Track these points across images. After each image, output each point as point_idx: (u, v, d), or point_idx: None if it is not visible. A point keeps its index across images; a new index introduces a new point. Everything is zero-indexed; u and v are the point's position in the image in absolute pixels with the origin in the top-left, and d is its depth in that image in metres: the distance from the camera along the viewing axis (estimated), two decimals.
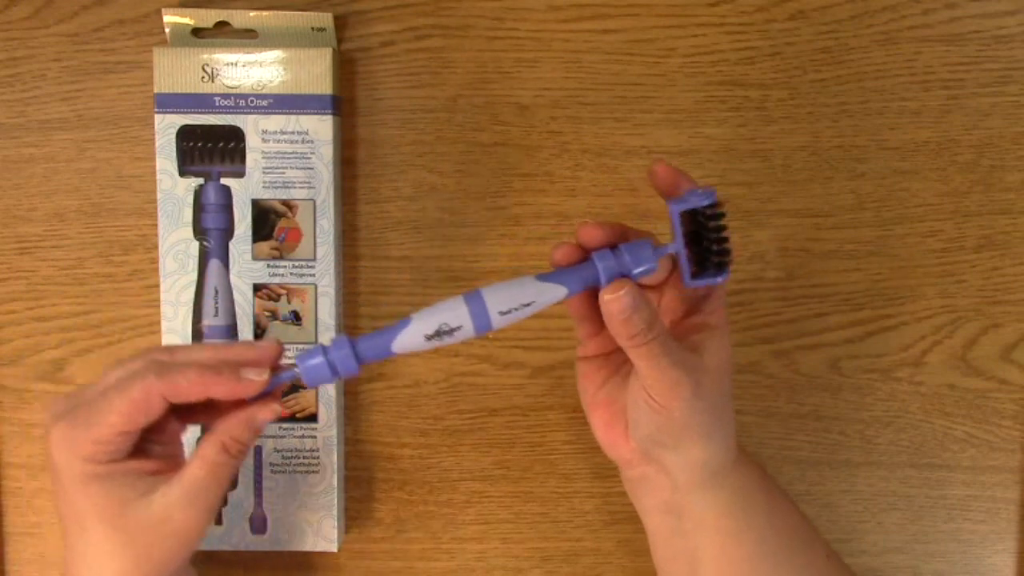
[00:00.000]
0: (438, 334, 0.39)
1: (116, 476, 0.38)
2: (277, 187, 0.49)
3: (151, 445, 0.40)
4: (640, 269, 0.39)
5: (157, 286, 0.50)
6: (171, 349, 0.40)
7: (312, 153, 0.49)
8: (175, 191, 0.50)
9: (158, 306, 0.50)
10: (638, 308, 0.38)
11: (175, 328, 0.50)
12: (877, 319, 0.52)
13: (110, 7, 0.51)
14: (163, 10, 0.50)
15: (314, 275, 0.50)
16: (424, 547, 0.53)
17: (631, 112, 0.51)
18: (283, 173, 0.49)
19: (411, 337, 0.39)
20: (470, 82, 0.51)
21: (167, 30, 0.50)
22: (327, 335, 0.50)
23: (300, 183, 0.49)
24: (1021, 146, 0.51)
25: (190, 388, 0.38)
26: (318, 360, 0.39)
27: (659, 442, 0.41)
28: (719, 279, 0.40)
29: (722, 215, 0.39)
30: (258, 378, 0.38)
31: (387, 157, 0.51)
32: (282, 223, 0.50)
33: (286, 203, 0.50)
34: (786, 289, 0.52)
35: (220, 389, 0.38)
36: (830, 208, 0.51)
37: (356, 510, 0.53)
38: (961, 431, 0.52)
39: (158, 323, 0.50)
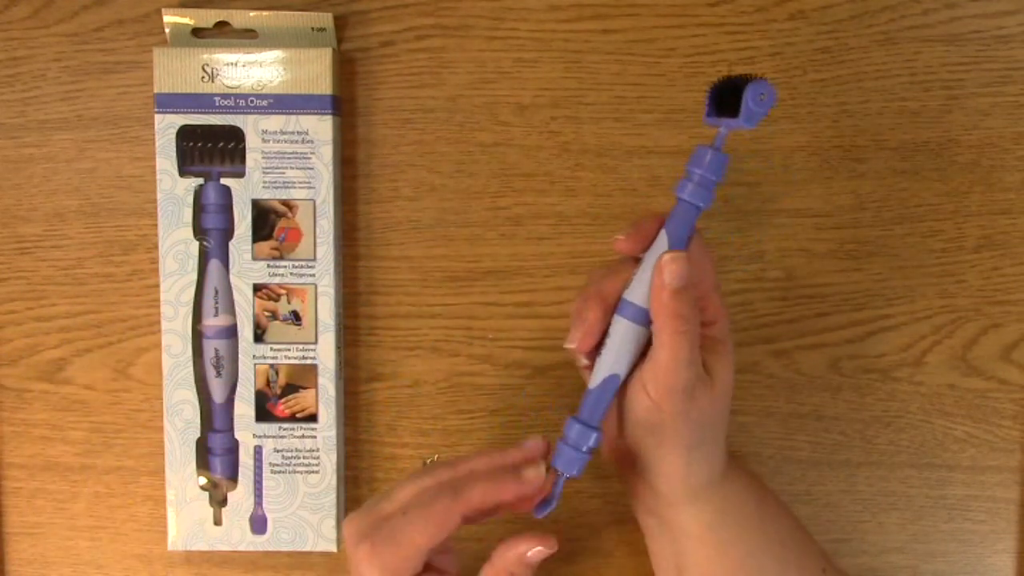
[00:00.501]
0: None
1: None
2: (277, 187, 0.49)
3: (432, 556, 0.41)
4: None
5: (157, 286, 0.50)
6: (453, 464, 0.41)
7: (312, 153, 0.49)
8: (175, 191, 0.50)
9: (158, 306, 0.50)
10: (689, 283, 0.39)
11: (175, 328, 0.50)
12: (877, 319, 0.52)
13: (110, 7, 0.51)
14: (163, 10, 0.50)
15: (314, 275, 0.50)
16: None
17: (631, 112, 0.51)
18: (283, 173, 0.49)
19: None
20: (470, 82, 0.51)
21: (167, 30, 0.50)
22: (327, 335, 0.50)
23: (300, 183, 0.49)
24: (1021, 146, 0.51)
25: (483, 501, 0.39)
26: (570, 453, 0.41)
27: (642, 438, 0.41)
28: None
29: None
30: (536, 474, 0.40)
31: (387, 157, 0.51)
32: (282, 223, 0.50)
33: (286, 203, 0.50)
34: (786, 289, 0.52)
35: (507, 495, 0.39)
36: (830, 208, 0.51)
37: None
38: (961, 431, 0.52)
39: (158, 323, 0.50)
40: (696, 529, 0.42)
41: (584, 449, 0.41)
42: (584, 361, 0.42)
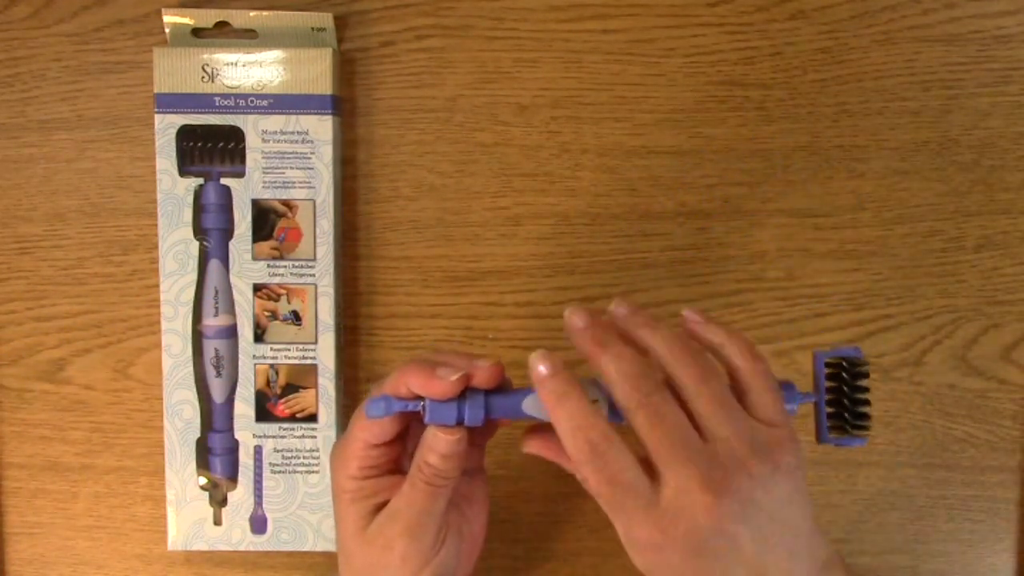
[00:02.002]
0: None
1: (367, 494, 0.40)
2: (277, 187, 0.49)
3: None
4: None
5: (157, 286, 0.50)
6: (405, 366, 0.40)
7: (312, 153, 0.49)
8: (175, 191, 0.50)
9: (158, 306, 0.50)
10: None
11: (175, 328, 0.50)
12: (877, 319, 0.52)
13: (110, 7, 0.51)
14: (163, 10, 0.50)
15: (314, 275, 0.50)
16: None
17: (631, 112, 0.51)
18: (283, 173, 0.49)
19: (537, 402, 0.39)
20: (470, 82, 0.51)
21: (167, 30, 0.50)
22: (327, 335, 0.50)
23: (300, 183, 0.49)
24: (1021, 146, 0.51)
25: (396, 388, 0.39)
26: (451, 403, 0.39)
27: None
28: (858, 442, 0.39)
29: (867, 374, 0.38)
30: (445, 373, 0.38)
31: (387, 157, 0.51)
32: (282, 223, 0.50)
33: (286, 203, 0.50)
34: (786, 289, 0.52)
35: (416, 383, 0.39)
36: (830, 208, 0.51)
37: None
38: (961, 431, 0.52)
39: (158, 323, 0.50)
40: None
41: (467, 421, 0.39)
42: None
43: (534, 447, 0.41)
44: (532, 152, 0.51)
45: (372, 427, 0.40)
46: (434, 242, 0.52)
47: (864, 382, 0.39)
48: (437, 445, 0.38)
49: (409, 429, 0.42)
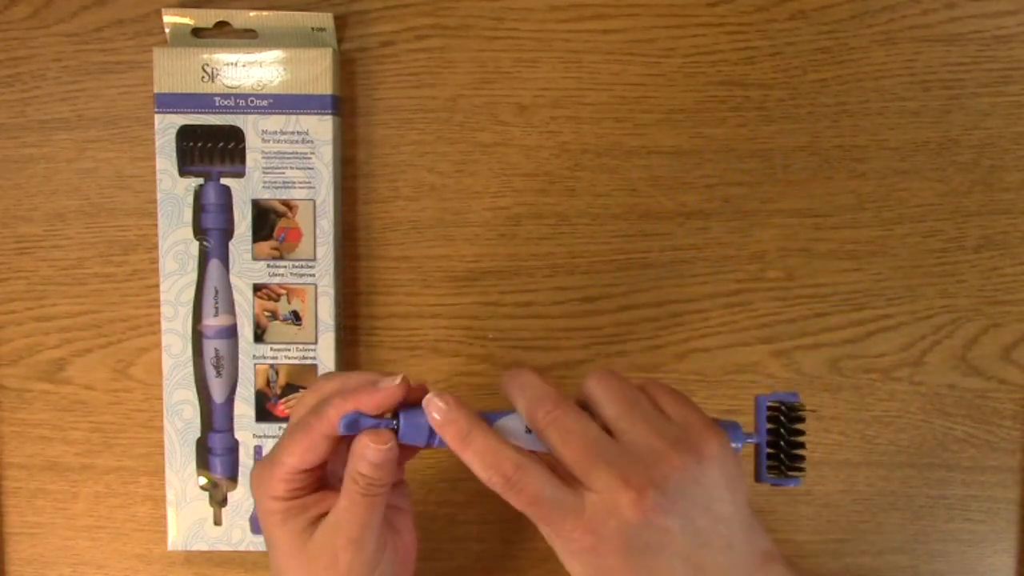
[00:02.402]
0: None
1: (297, 512, 0.40)
2: (277, 187, 0.49)
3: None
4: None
5: (157, 286, 0.50)
6: (320, 386, 0.40)
7: (312, 153, 0.49)
8: (175, 191, 0.50)
9: (158, 306, 0.50)
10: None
11: (175, 328, 0.50)
12: (877, 319, 0.52)
13: (110, 7, 0.51)
14: (163, 10, 0.50)
15: (314, 275, 0.50)
16: (424, 547, 0.53)
17: (631, 112, 0.51)
18: (283, 173, 0.49)
19: (513, 423, 0.39)
20: (470, 82, 0.51)
21: (167, 30, 0.50)
22: (327, 335, 0.50)
23: (300, 183, 0.49)
24: (1021, 146, 0.51)
25: (339, 414, 0.39)
26: (423, 420, 0.39)
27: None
28: (793, 483, 0.41)
29: (803, 419, 0.40)
30: (390, 382, 0.38)
31: (387, 157, 0.51)
32: (282, 223, 0.50)
33: (286, 203, 0.50)
34: (786, 289, 0.52)
35: (363, 404, 0.38)
36: (830, 208, 0.51)
37: None
38: (961, 431, 0.52)
39: (158, 323, 0.50)
40: None
41: (435, 444, 0.40)
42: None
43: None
44: (532, 152, 0.51)
45: (303, 454, 0.39)
46: (434, 242, 0.52)
47: (800, 426, 0.41)
48: (368, 454, 0.38)
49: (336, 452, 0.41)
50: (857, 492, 0.53)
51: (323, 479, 0.41)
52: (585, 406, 0.39)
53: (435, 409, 0.38)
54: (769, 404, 0.41)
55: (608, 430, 0.37)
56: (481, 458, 0.37)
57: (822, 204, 0.51)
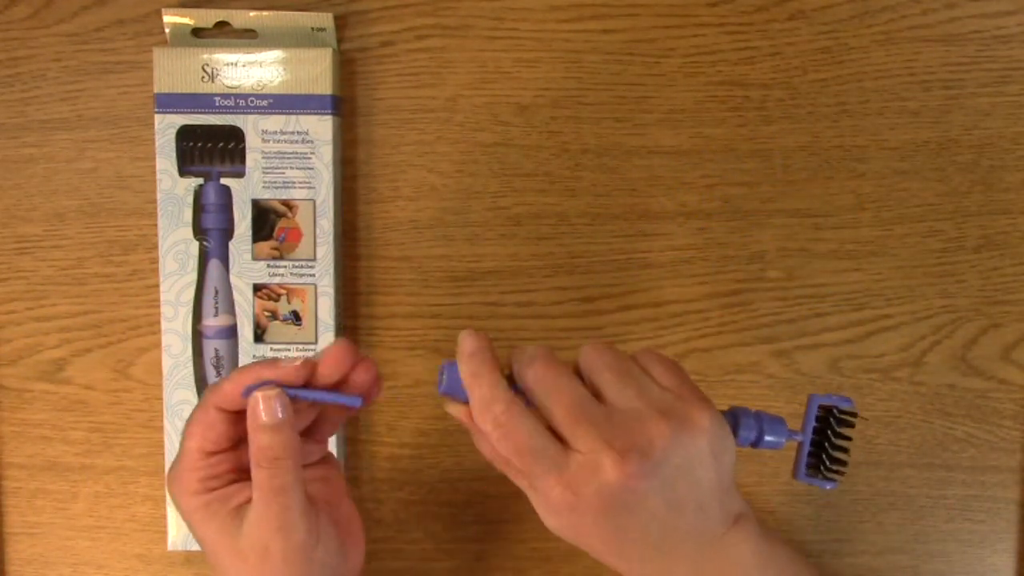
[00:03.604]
0: None
1: (218, 506, 0.38)
2: (277, 187, 0.49)
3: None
4: (771, 439, 0.40)
5: (157, 286, 0.50)
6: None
7: (312, 153, 0.49)
8: (175, 191, 0.50)
9: (158, 306, 0.50)
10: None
11: (175, 328, 0.50)
12: (877, 319, 0.52)
13: (110, 7, 0.51)
14: (163, 10, 0.50)
15: (314, 275, 0.50)
16: (424, 547, 0.53)
17: (631, 112, 0.51)
18: (283, 173, 0.49)
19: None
20: (470, 82, 0.51)
21: (167, 30, 0.50)
22: (327, 335, 0.50)
23: (300, 183, 0.49)
24: (1021, 146, 0.51)
25: (233, 389, 0.38)
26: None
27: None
28: (829, 485, 0.41)
29: (853, 424, 0.41)
30: (293, 362, 0.38)
31: (387, 157, 0.51)
32: (282, 223, 0.50)
33: (286, 203, 0.50)
34: (786, 289, 0.52)
35: (264, 373, 0.38)
36: (830, 208, 0.51)
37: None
38: (961, 431, 0.52)
39: (158, 323, 0.50)
40: None
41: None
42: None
43: (455, 411, 0.40)
44: (532, 152, 0.51)
45: (204, 432, 0.38)
46: (434, 242, 0.52)
47: (848, 431, 0.41)
48: (259, 413, 0.37)
49: (243, 440, 0.39)
50: (857, 492, 0.53)
51: (240, 469, 0.39)
52: (579, 375, 0.39)
53: (467, 339, 0.38)
54: (821, 404, 0.41)
55: (599, 396, 0.38)
56: (480, 400, 0.38)
57: (822, 204, 0.51)
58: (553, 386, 0.37)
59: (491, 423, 0.37)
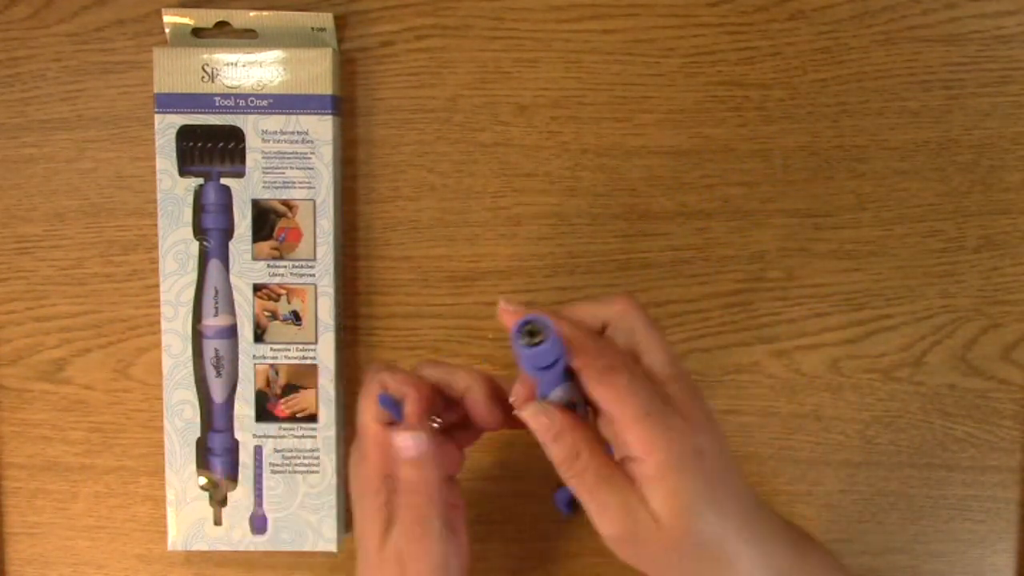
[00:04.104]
0: None
1: (383, 507, 0.41)
2: (277, 187, 0.49)
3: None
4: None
5: (157, 286, 0.50)
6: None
7: (312, 153, 0.49)
8: (175, 191, 0.50)
9: (158, 306, 0.50)
10: (559, 432, 0.37)
11: (175, 328, 0.50)
12: (877, 319, 0.52)
13: (110, 7, 0.51)
14: (163, 10, 0.50)
15: (314, 275, 0.50)
16: None
17: (631, 112, 0.51)
18: (283, 173, 0.49)
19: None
20: (470, 82, 0.51)
21: (167, 30, 0.50)
22: (327, 335, 0.50)
23: (300, 183, 0.49)
24: (1021, 146, 0.51)
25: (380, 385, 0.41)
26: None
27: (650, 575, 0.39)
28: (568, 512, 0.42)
29: None
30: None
31: (387, 157, 0.51)
32: (282, 223, 0.50)
33: (286, 203, 0.50)
34: (786, 289, 0.52)
35: (458, 376, 0.41)
36: (830, 208, 0.51)
37: None
38: (961, 431, 0.52)
39: (158, 323, 0.50)
40: None
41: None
42: None
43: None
44: (532, 152, 0.51)
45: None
46: (434, 242, 0.52)
47: None
48: (401, 448, 0.39)
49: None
50: (857, 492, 0.53)
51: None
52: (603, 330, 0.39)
53: (544, 417, 0.38)
54: None
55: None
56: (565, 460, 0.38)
57: (822, 204, 0.51)
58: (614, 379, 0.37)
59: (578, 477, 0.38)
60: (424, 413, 0.41)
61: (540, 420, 0.37)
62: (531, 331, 0.34)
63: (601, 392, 0.36)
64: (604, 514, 0.37)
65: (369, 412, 0.41)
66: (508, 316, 0.37)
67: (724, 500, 0.37)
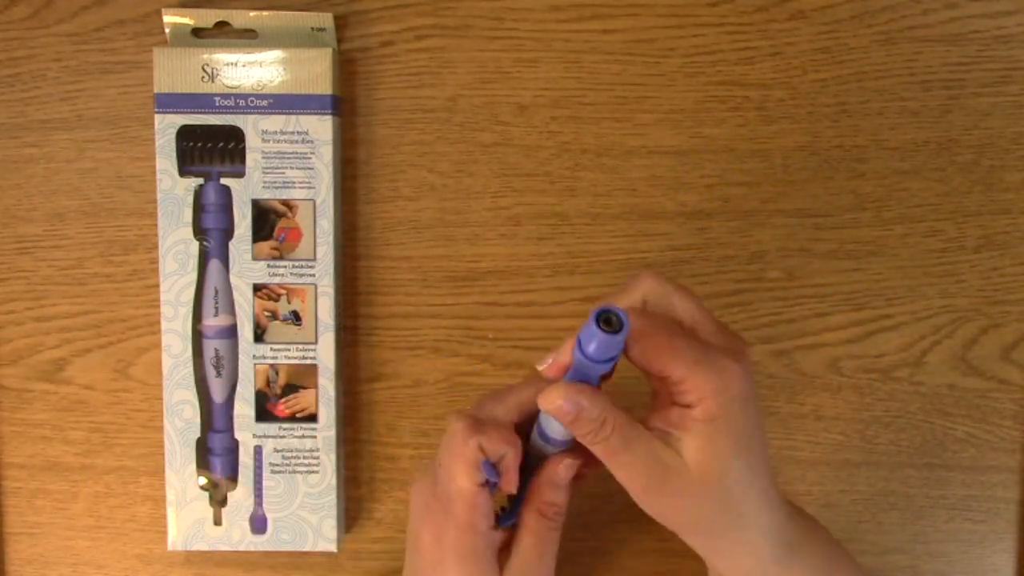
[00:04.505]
0: None
1: (485, 547, 0.41)
2: (277, 187, 0.49)
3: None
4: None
5: (157, 286, 0.50)
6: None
7: (312, 153, 0.49)
8: (175, 191, 0.50)
9: (158, 306, 0.50)
10: (580, 416, 0.37)
11: (175, 328, 0.50)
12: (877, 319, 0.52)
13: (110, 7, 0.51)
14: (163, 10, 0.50)
15: (314, 275, 0.50)
16: None
17: (631, 112, 0.51)
18: (283, 173, 0.49)
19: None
20: (470, 82, 0.51)
21: (167, 30, 0.50)
22: (327, 335, 0.50)
23: (300, 183, 0.49)
24: (1021, 146, 0.51)
25: (500, 428, 0.40)
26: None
27: (673, 528, 0.40)
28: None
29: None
30: (544, 365, 0.39)
31: (387, 157, 0.51)
32: (282, 223, 0.50)
33: (286, 203, 0.50)
34: (786, 289, 0.52)
35: (528, 393, 0.40)
36: (830, 208, 0.51)
37: (356, 510, 0.53)
38: (961, 431, 0.52)
39: (158, 323, 0.50)
40: None
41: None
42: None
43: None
44: (532, 152, 0.51)
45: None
46: (434, 242, 0.52)
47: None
48: (558, 472, 0.40)
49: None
50: (857, 492, 0.53)
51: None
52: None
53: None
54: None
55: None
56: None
57: (822, 204, 0.51)
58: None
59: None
60: (519, 467, 0.41)
61: (571, 399, 0.37)
62: (608, 319, 0.35)
63: (653, 354, 0.37)
64: (633, 467, 0.37)
65: (469, 477, 0.40)
66: (550, 370, 0.39)
67: (753, 457, 0.38)
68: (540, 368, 0.39)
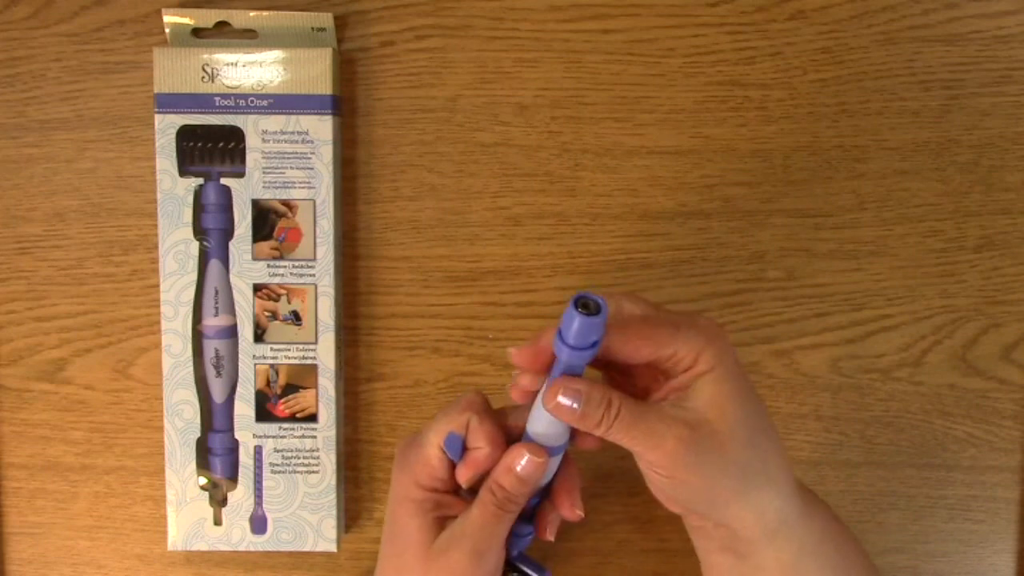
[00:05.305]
0: None
1: (429, 508, 0.41)
2: (277, 187, 0.49)
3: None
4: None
5: (157, 286, 0.50)
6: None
7: (312, 153, 0.49)
8: (175, 191, 0.50)
9: (158, 306, 0.50)
10: (587, 403, 0.37)
11: (175, 328, 0.50)
12: (877, 319, 0.52)
13: (110, 7, 0.51)
14: (163, 10, 0.50)
15: (314, 275, 0.50)
16: None
17: (631, 112, 0.51)
18: (283, 173, 0.49)
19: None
20: (470, 82, 0.51)
21: (167, 30, 0.50)
22: (327, 335, 0.50)
23: (300, 183, 0.49)
24: (1021, 146, 0.51)
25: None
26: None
27: (691, 506, 0.39)
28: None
29: None
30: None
31: (387, 157, 0.51)
32: (282, 223, 0.50)
33: (286, 203, 0.50)
34: (786, 289, 0.52)
35: (517, 394, 0.40)
36: (830, 208, 0.51)
37: (356, 510, 0.53)
38: (961, 431, 0.52)
39: (158, 323, 0.50)
40: (775, 568, 0.39)
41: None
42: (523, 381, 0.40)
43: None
44: (532, 152, 0.51)
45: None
46: (434, 242, 0.52)
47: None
48: (520, 466, 0.39)
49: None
50: (857, 492, 0.53)
51: (457, 486, 0.42)
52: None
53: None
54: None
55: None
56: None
57: (822, 204, 0.51)
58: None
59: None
60: (483, 472, 0.41)
61: (570, 390, 0.37)
62: (585, 304, 0.36)
63: (634, 333, 0.38)
64: (655, 433, 0.37)
65: (438, 437, 0.41)
66: (517, 356, 0.39)
67: (762, 405, 0.39)
68: (510, 352, 0.39)
